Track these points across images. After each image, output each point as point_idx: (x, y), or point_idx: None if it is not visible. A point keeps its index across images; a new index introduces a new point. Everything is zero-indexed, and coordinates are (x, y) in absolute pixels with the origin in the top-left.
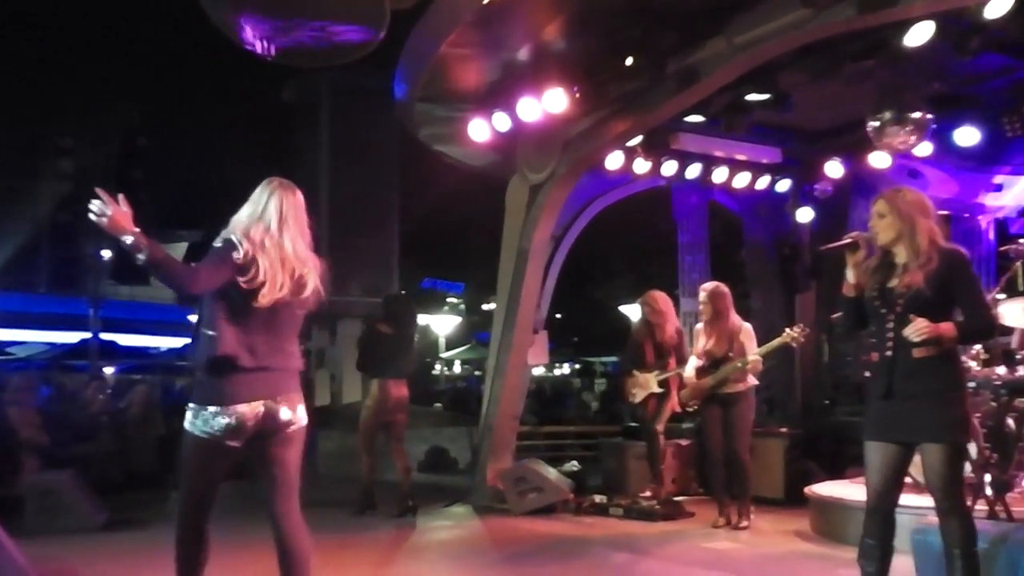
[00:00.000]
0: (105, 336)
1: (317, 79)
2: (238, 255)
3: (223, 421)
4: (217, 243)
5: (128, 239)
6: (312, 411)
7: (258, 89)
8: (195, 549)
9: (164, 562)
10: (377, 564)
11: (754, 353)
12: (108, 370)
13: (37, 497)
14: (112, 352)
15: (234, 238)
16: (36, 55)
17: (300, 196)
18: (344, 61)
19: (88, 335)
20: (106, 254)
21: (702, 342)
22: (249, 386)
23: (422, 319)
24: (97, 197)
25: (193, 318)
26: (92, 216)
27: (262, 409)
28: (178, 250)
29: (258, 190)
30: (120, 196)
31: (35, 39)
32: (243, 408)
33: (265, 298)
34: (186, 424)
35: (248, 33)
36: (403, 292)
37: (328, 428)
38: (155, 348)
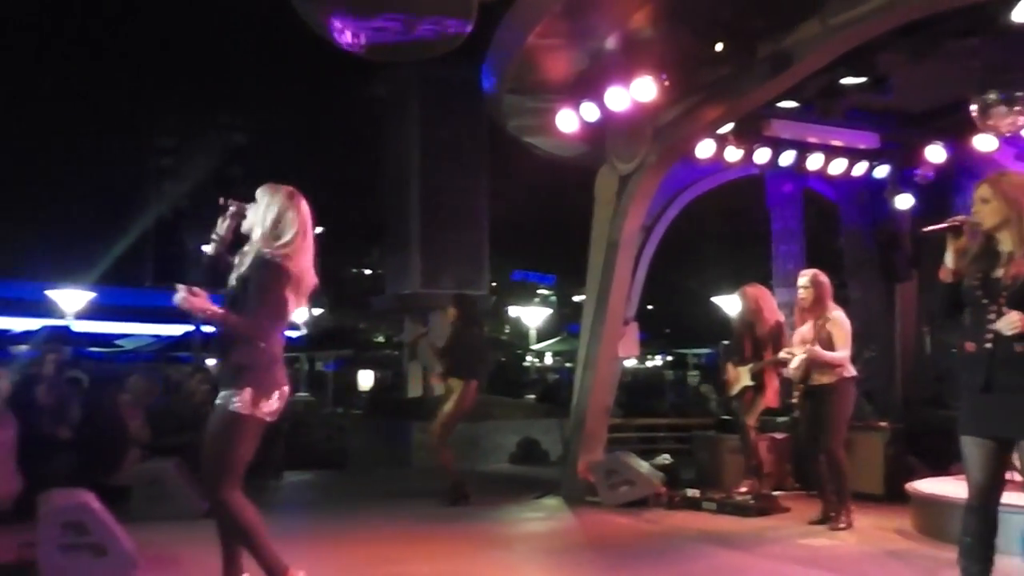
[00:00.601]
0: (206, 329)
1: (406, 73)
2: (288, 278)
3: (277, 404)
4: (258, 265)
5: (204, 315)
6: (404, 403)
7: (347, 85)
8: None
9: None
10: (468, 555)
11: (785, 352)
12: (210, 361)
13: (143, 485)
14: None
15: (278, 260)
16: (139, 61)
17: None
18: (432, 55)
19: (191, 328)
20: (207, 249)
21: (800, 330)
22: (283, 373)
23: (514, 311)
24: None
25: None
26: (176, 302)
27: (287, 392)
28: None
29: (275, 198)
30: (195, 288)
31: (138, 46)
32: (285, 391)
33: (297, 305)
34: (239, 408)
35: (339, 31)
36: (466, 293)
37: (421, 419)
38: None
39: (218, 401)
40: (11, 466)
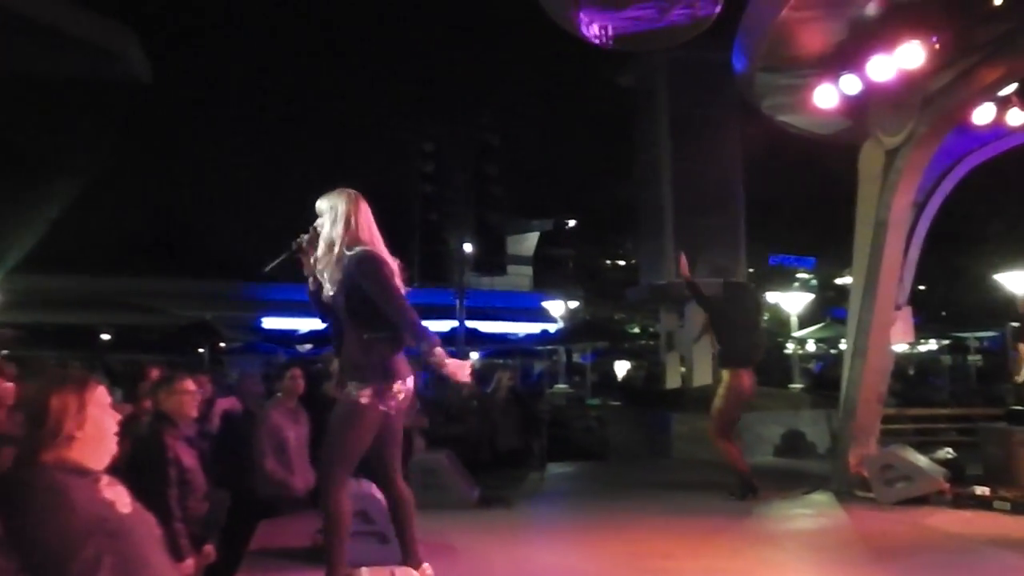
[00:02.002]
0: (470, 324)
1: (654, 60)
2: (388, 266)
3: (400, 396)
4: (359, 261)
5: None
6: (663, 394)
7: (595, 77)
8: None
9: (531, 538)
10: (735, 552)
11: None
12: (473, 355)
13: (420, 475)
14: (476, 339)
15: (371, 251)
16: (398, 74)
17: None
18: (682, 41)
19: (455, 323)
20: (468, 247)
21: None
22: (405, 364)
23: (772, 297)
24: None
25: (551, 304)
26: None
27: (411, 383)
28: (529, 240)
29: (338, 202)
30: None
31: (398, 60)
32: (409, 383)
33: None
34: (363, 400)
35: (586, 24)
36: (739, 280)
37: (680, 411)
38: (514, 334)
39: (344, 392)
40: (306, 459)
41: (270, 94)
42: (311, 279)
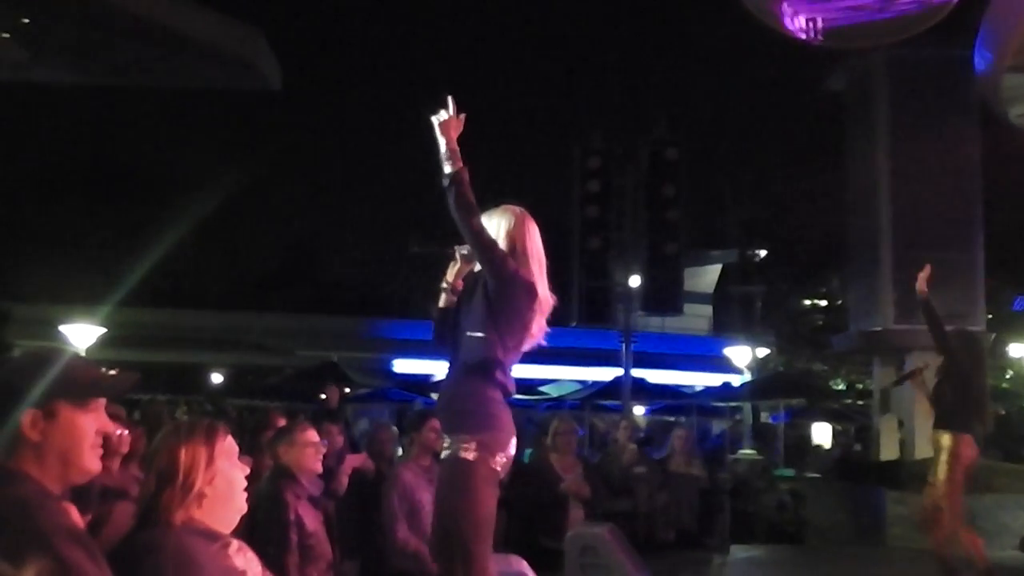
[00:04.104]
0: (636, 373)
1: (870, 59)
2: (534, 295)
3: (512, 450)
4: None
5: (444, 147)
6: (875, 466)
7: (797, 82)
8: None
9: None
10: None
11: None
12: (638, 411)
13: (577, 552)
14: (644, 391)
15: (522, 273)
16: (557, 76)
17: None
18: (908, 35)
19: (620, 372)
20: (635, 281)
21: None
22: (510, 416)
23: (1016, 350)
24: None
25: (734, 352)
26: (433, 118)
27: (514, 442)
28: (709, 274)
29: (512, 221)
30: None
31: (558, 59)
32: (513, 444)
33: (539, 330)
34: (470, 457)
35: (792, 18)
36: (972, 329)
37: (897, 487)
38: (689, 386)
39: (444, 451)
40: None
41: (411, 104)
42: (448, 292)
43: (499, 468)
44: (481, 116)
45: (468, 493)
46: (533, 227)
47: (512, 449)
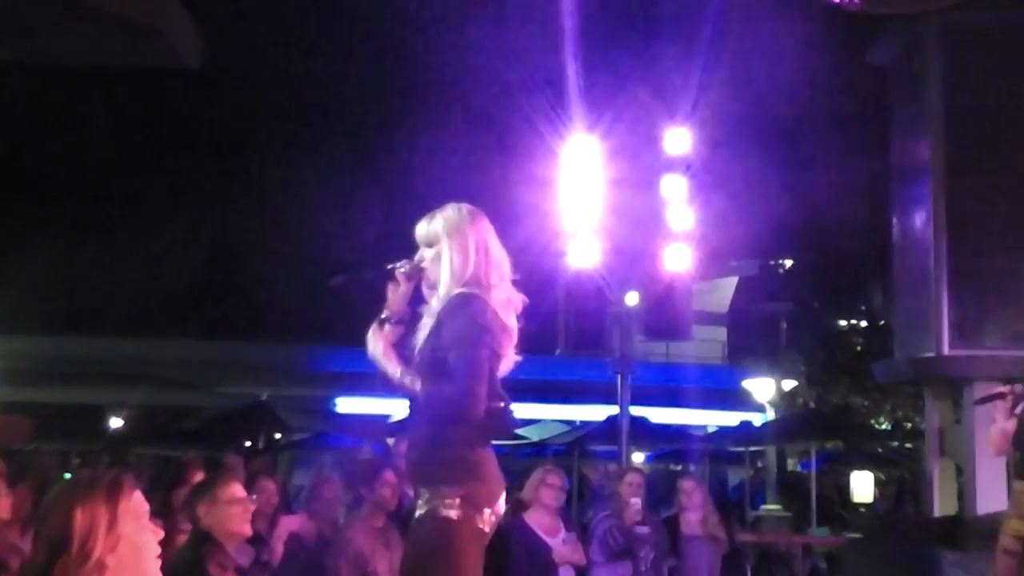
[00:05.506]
0: (635, 411)
1: (921, 26)
2: (494, 323)
3: (501, 506)
4: (454, 308)
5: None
6: (929, 523)
7: (831, 55)
8: None
9: None
10: None
11: None
12: (637, 457)
13: None
14: (644, 433)
15: (479, 296)
16: (536, 56)
17: None
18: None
19: (615, 410)
20: (631, 299)
21: None
22: (496, 464)
23: None
24: None
25: (754, 384)
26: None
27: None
28: (722, 289)
29: (463, 220)
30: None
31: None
32: (503, 496)
33: (505, 367)
34: (453, 515)
35: None
36: None
37: (957, 549)
38: (699, 427)
39: (420, 508)
40: None
41: (362, 87)
42: (389, 320)
43: (486, 527)
44: (443, 104)
45: (451, 559)
46: (487, 225)
47: (501, 505)
